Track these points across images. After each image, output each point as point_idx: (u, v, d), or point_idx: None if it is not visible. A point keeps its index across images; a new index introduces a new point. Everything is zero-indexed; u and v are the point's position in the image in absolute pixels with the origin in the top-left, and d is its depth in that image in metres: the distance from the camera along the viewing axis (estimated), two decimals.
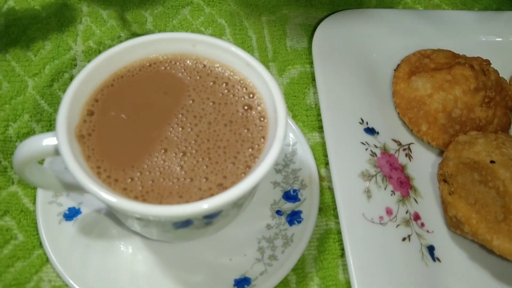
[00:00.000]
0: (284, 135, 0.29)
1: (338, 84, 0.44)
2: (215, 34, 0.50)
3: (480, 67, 0.43)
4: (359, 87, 0.44)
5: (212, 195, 0.27)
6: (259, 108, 0.31)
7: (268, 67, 0.49)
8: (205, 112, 0.31)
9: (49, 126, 0.42)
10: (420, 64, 0.44)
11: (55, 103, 0.43)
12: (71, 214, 0.36)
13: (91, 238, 0.36)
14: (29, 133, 0.41)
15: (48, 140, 0.28)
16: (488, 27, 0.53)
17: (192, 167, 0.28)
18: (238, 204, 0.30)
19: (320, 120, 0.43)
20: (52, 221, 0.36)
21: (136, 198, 0.27)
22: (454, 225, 0.36)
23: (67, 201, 0.37)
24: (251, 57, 0.32)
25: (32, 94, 0.44)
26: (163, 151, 0.29)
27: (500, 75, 0.46)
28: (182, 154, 0.29)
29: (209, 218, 0.29)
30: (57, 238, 0.35)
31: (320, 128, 0.44)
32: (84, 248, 0.35)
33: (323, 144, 0.42)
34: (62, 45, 0.47)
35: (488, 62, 0.44)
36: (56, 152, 0.28)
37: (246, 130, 0.30)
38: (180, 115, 0.31)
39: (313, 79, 0.47)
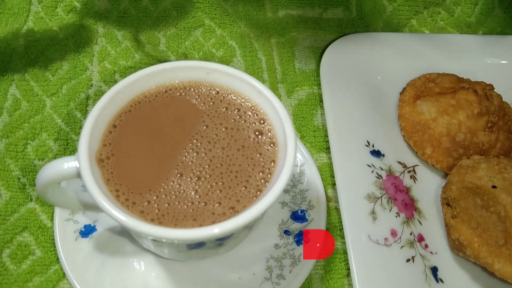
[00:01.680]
0: (293, 161, 0.30)
1: (345, 106, 0.45)
2: (226, 56, 0.52)
3: (484, 92, 0.44)
4: (365, 109, 0.45)
5: (225, 218, 0.28)
6: (269, 134, 0.33)
7: (276, 89, 0.50)
8: (219, 137, 0.33)
9: (66, 145, 0.44)
10: (425, 88, 0.46)
11: (72, 122, 0.45)
12: (87, 231, 0.38)
13: (106, 255, 0.37)
14: (47, 151, 0.43)
15: (69, 164, 0.30)
16: (492, 51, 0.54)
17: (206, 191, 0.30)
18: (249, 227, 0.31)
19: (328, 141, 0.44)
20: (68, 238, 0.37)
21: (152, 220, 0.28)
22: (457, 247, 0.37)
23: (83, 219, 0.38)
24: (262, 85, 0.33)
25: (50, 113, 0.45)
26: (178, 175, 0.30)
27: (504, 98, 0.47)
28: (196, 178, 0.30)
29: (221, 240, 0.30)
30: (73, 254, 0.37)
31: (328, 149, 0.45)
32: (99, 264, 0.37)
33: (330, 165, 0.44)
34: (78, 66, 0.49)
35: (491, 87, 0.45)
36: (78, 175, 0.29)
37: (258, 155, 0.32)
38: (195, 140, 0.32)
39: (321, 101, 0.49)
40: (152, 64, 0.50)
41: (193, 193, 0.30)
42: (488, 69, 0.52)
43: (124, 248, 0.38)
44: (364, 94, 0.47)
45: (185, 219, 0.29)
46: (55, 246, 0.38)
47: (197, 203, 0.29)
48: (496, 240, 0.34)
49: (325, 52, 0.50)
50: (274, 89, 0.50)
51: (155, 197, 0.29)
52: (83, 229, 0.38)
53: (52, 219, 0.39)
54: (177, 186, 0.30)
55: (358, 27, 0.56)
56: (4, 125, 0.44)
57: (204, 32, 0.54)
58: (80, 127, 0.45)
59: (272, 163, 0.32)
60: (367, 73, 0.49)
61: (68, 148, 0.44)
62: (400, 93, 0.47)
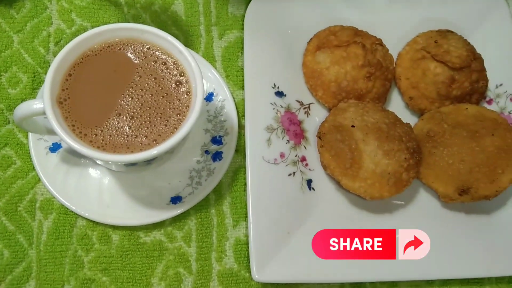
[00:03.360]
0: (200, 108, 0.42)
1: (260, 51, 0.56)
2: None
3: (371, 46, 0.56)
4: (277, 55, 0.56)
5: (149, 147, 0.41)
6: (186, 85, 0.44)
7: (210, 31, 0.60)
8: (149, 86, 0.44)
9: (33, 77, 0.54)
10: (327, 40, 0.56)
11: (37, 57, 0.55)
12: (55, 147, 0.50)
13: (70, 165, 0.50)
14: (18, 82, 0.53)
15: (37, 105, 0.41)
16: (398, 4, 0.63)
17: (137, 127, 0.42)
18: (169, 152, 0.45)
19: None
20: (41, 152, 0.50)
21: (98, 148, 0.41)
22: (324, 167, 0.51)
23: (51, 138, 0.51)
24: (182, 45, 0.44)
25: (17, 49, 0.55)
26: (117, 115, 0.42)
27: (394, 50, 0.58)
28: (130, 118, 0.42)
29: (149, 161, 0.44)
30: (45, 164, 0.50)
31: None
32: (65, 172, 0.50)
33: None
34: (39, 5, 0.57)
35: (380, 42, 0.57)
36: (44, 113, 0.41)
37: (178, 101, 0.44)
38: (130, 88, 0.44)
39: None
40: (103, 5, 0.59)
41: (127, 128, 0.42)
42: (390, 22, 0.61)
43: (83, 161, 0.51)
44: (279, 41, 0.57)
45: (121, 147, 0.41)
46: (31, 158, 0.50)
47: (130, 136, 0.42)
48: (345, 164, 0.48)
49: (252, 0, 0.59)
50: (208, 31, 0.60)
51: (100, 131, 0.42)
52: (51, 146, 0.50)
53: (27, 138, 0.51)
54: (116, 123, 0.42)
55: None
56: None
57: None
58: (44, 62, 0.55)
59: (187, 108, 0.44)
60: (285, 22, 0.59)
61: (35, 79, 0.54)
62: (308, 42, 0.58)
